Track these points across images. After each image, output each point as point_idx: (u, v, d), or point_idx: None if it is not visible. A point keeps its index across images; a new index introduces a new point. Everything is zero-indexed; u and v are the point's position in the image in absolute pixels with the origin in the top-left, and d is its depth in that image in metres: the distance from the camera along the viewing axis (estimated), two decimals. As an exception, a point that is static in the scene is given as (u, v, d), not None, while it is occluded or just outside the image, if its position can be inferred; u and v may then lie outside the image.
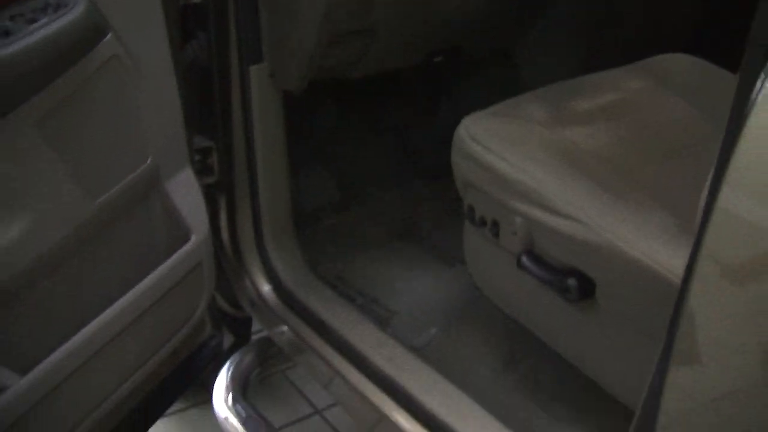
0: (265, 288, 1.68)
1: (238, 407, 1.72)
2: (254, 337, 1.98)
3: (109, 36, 1.23)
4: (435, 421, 1.34)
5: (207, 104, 1.64)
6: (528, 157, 1.26)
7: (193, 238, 1.45)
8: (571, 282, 1.19)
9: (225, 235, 1.71)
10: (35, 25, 1.10)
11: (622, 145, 1.30)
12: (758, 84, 0.72)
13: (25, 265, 1.16)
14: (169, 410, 2.26)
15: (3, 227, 1.12)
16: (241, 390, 1.75)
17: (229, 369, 1.78)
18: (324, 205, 1.88)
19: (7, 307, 1.16)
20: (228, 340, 1.82)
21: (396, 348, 1.48)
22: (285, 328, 1.67)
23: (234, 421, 1.68)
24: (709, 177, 0.82)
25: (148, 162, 1.37)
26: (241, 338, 1.90)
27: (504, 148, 1.28)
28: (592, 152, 1.29)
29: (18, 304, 1.18)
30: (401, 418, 1.39)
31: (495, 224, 1.31)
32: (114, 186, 1.30)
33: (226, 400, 1.73)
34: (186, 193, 1.48)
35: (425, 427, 1.35)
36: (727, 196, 0.76)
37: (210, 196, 1.63)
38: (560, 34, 1.90)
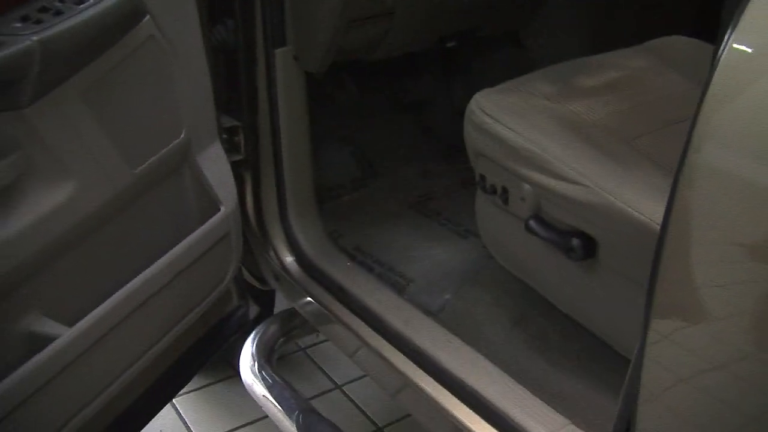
0: (289, 259, 1.79)
1: (264, 374, 1.82)
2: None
3: (146, 18, 1.35)
4: (450, 378, 1.44)
5: (234, 86, 1.75)
6: (535, 127, 1.37)
7: (222, 209, 1.57)
8: (575, 242, 1.29)
9: (250, 209, 1.82)
10: (83, 5, 1.22)
11: (623, 117, 1.40)
12: (722, 46, 0.82)
13: (71, 226, 1.27)
14: (196, 386, 2.39)
15: (52, 190, 1.23)
16: (266, 358, 1.86)
17: (254, 339, 1.89)
18: (344, 181, 1.99)
19: (55, 265, 1.28)
20: (253, 311, 1.93)
21: (413, 312, 1.59)
22: (308, 298, 1.77)
23: (260, 387, 1.79)
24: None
25: (182, 136, 1.48)
26: (266, 311, 2.01)
27: (512, 119, 1.38)
28: (595, 123, 1.39)
29: (64, 263, 1.30)
30: (418, 376, 1.49)
31: (504, 191, 1.41)
32: (151, 157, 1.41)
33: (253, 368, 1.84)
34: (215, 166, 1.60)
35: (441, 384, 1.45)
36: (696, 146, 0.85)
37: (236, 172, 1.74)
38: (567, 17, 2.00)
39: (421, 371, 1.49)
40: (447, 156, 2.01)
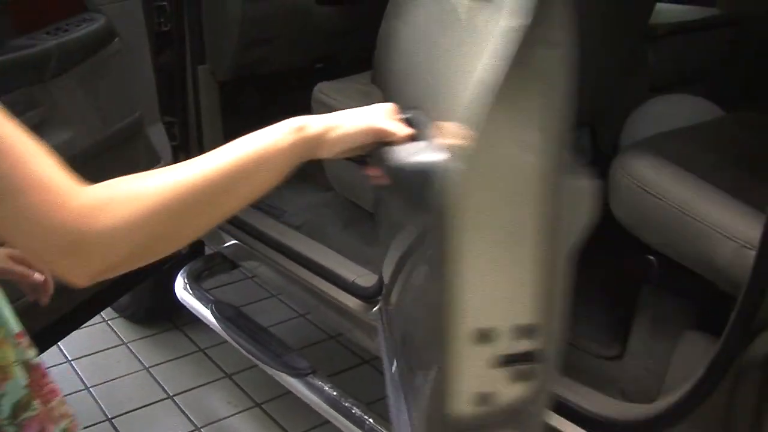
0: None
1: (190, 290, 2.86)
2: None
3: (117, 39, 2.46)
4: (303, 258, 2.50)
5: (171, 94, 2.86)
6: (350, 98, 2.47)
7: (162, 163, 2.64)
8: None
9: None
10: (81, 28, 2.32)
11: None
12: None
13: (66, 159, 2.33)
14: (145, 334, 3.40)
15: (58, 132, 2.29)
16: (193, 281, 2.90)
17: (184, 270, 2.94)
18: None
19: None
20: (185, 248, 2.97)
21: (285, 228, 2.66)
22: (230, 241, 2.83)
23: (188, 296, 2.83)
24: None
25: (137, 114, 2.57)
26: (195, 253, 3.06)
27: (337, 95, 2.49)
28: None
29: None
30: (286, 262, 2.56)
31: (335, 139, 2.51)
32: (117, 125, 2.49)
33: (184, 287, 2.88)
34: (158, 137, 2.69)
35: (298, 263, 2.51)
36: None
37: (174, 153, 2.83)
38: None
39: (288, 259, 2.56)
40: None
